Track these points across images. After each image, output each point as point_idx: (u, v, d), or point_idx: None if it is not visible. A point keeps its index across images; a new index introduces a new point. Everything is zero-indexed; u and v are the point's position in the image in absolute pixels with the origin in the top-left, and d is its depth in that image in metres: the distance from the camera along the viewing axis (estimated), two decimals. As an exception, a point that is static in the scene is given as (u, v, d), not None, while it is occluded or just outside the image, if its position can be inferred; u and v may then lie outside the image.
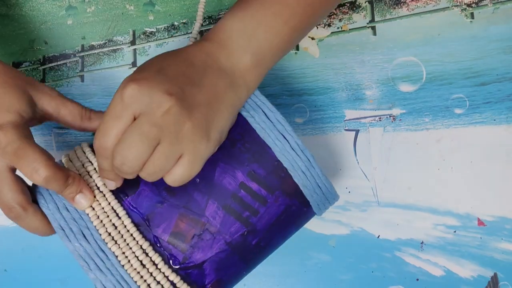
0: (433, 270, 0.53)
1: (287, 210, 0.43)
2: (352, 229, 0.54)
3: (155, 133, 0.36)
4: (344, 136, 0.54)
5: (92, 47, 0.56)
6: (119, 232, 0.41)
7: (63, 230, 0.40)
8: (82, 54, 0.56)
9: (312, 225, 0.53)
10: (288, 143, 0.42)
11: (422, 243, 0.53)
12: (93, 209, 0.41)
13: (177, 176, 0.38)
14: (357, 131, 0.54)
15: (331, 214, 0.54)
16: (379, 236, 0.53)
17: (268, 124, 0.42)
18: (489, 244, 0.53)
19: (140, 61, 0.56)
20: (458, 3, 0.55)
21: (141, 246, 0.41)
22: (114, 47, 0.56)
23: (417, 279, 0.53)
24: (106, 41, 0.56)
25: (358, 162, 0.54)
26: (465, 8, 0.55)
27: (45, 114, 0.42)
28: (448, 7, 0.55)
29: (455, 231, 0.53)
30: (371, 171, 0.54)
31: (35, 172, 0.37)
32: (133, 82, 0.36)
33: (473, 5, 0.55)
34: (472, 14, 0.55)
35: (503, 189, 0.53)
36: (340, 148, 0.54)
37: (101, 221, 0.41)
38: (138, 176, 0.38)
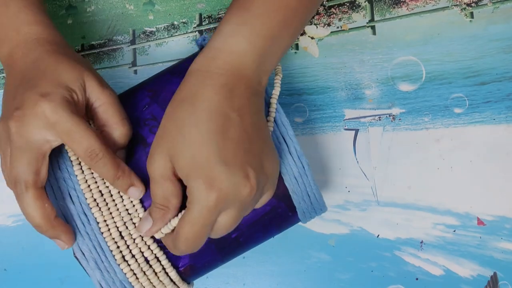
0: (433, 269, 0.53)
1: (272, 211, 0.43)
2: (351, 228, 0.54)
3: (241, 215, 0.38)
4: (344, 135, 0.54)
5: (92, 47, 0.56)
6: (104, 199, 0.41)
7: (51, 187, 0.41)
8: (82, 53, 0.56)
9: (312, 224, 0.53)
10: (287, 147, 0.42)
11: (421, 242, 0.53)
12: (82, 172, 0.41)
13: (264, 202, 0.41)
14: (356, 131, 0.54)
15: (331, 213, 0.54)
16: (378, 235, 0.53)
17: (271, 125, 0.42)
18: (489, 244, 0.53)
19: (140, 60, 0.56)
20: (457, 3, 0.55)
21: (122, 216, 0.41)
22: (114, 47, 0.56)
23: (417, 279, 0.53)
24: (106, 40, 0.56)
25: (357, 162, 0.54)
26: (465, 8, 0.55)
27: (88, 106, 0.41)
28: (448, 6, 0.55)
29: (454, 231, 0.53)
30: (371, 171, 0.54)
31: (94, 156, 0.38)
32: (215, 194, 0.36)
33: (472, 4, 0.55)
34: (471, 13, 0.55)
35: (503, 189, 0.53)
36: (339, 147, 0.54)
37: (89, 185, 0.41)
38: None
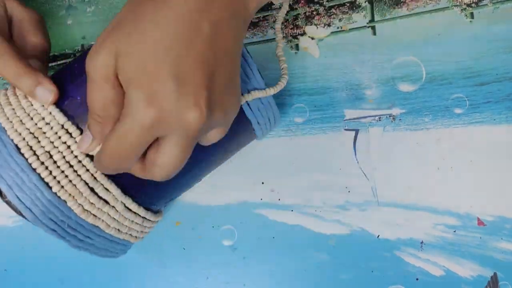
0: (433, 269, 0.53)
1: None
2: (352, 228, 0.54)
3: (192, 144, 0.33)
4: (344, 135, 0.54)
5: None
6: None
7: None
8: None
9: (312, 224, 0.53)
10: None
11: (422, 242, 0.53)
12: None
13: (212, 139, 0.36)
14: (356, 131, 0.54)
15: (331, 213, 0.54)
16: (379, 235, 0.53)
17: None
18: (489, 244, 0.53)
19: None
20: (458, 3, 0.55)
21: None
22: (114, 47, 0.56)
23: (417, 279, 0.53)
24: (106, 41, 0.56)
25: (358, 162, 0.54)
26: (465, 8, 0.55)
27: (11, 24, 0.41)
28: (448, 7, 0.55)
29: (455, 231, 0.53)
30: (371, 171, 0.54)
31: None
32: (154, 111, 0.30)
33: (473, 5, 0.55)
34: (472, 14, 0.55)
35: (503, 189, 0.53)
36: (339, 148, 0.54)
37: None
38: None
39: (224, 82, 0.32)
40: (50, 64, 0.56)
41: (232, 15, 0.33)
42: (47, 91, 0.36)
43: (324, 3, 0.55)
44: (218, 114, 0.32)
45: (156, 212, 0.44)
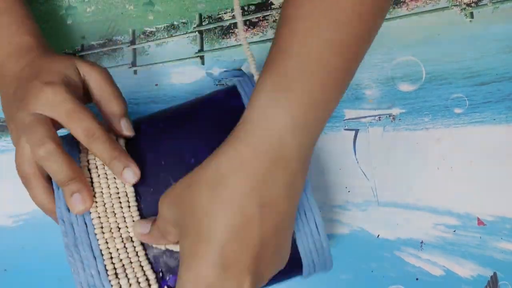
0: (433, 269, 0.53)
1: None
2: (351, 228, 0.54)
3: None
4: (344, 135, 0.54)
5: (92, 47, 0.56)
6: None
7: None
8: (82, 53, 0.56)
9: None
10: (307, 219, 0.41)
11: (421, 242, 0.53)
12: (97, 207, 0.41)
13: None
14: (356, 131, 0.54)
15: (331, 213, 0.54)
16: (378, 235, 0.53)
17: None
18: (489, 244, 0.53)
19: (140, 61, 0.56)
20: (457, 3, 0.55)
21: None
22: (114, 47, 0.56)
23: (417, 279, 0.53)
24: (106, 40, 0.56)
25: (357, 162, 0.54)
26: (465, 8, 0.55)
27: (84, 86, 0.43)
28: (448, 6, 0.55)
29: (454, 231, 0.53)
30: (371, 171, 0.54)
31: (91, 134, 0.39)
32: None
33: (472, 4, 0.55)
34: (471, 13, 0.55)
35: (503, 189, 0.53)
36: (339, 147, 0.54)
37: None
38: None
39: (272, 256, 0.35)
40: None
41: (289, 183, 0.34)
42: (132, 174, 0.40)
43: (324, 3, 0.55)
44: (259, 283, 0.35)
45: None
